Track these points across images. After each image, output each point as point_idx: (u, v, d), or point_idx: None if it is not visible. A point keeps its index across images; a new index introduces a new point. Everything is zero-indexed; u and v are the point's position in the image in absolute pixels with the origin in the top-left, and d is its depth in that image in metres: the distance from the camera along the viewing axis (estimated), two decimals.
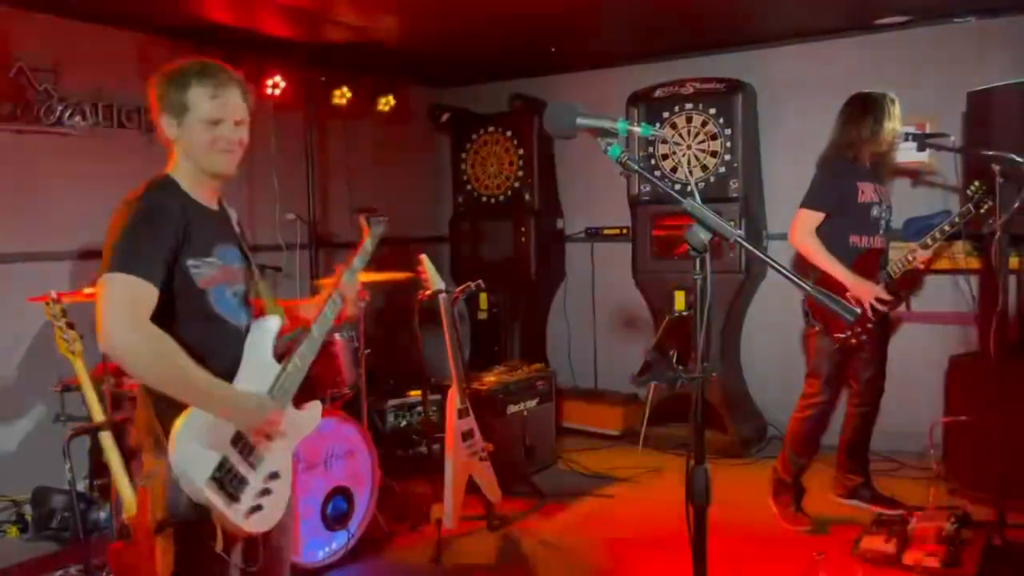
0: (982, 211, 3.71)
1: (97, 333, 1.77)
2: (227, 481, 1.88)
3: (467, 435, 3.92)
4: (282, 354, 2.09)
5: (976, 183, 3.74)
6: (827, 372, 3.84)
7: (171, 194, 1.96)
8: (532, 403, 4.84)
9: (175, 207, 1.91)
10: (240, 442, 1.93)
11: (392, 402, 5.13)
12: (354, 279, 2.26)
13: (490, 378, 4.80)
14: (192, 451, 1.83)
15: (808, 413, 3.90)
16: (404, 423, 5.13)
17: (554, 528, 4.07)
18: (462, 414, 3.91)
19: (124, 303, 1.78)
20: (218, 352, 1.95)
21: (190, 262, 1.91)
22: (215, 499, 1.85)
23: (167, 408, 1.86)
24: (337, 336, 3.93)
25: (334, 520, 3.64)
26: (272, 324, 2.08)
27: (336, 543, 3.64)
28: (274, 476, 2.00)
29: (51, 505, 3.90)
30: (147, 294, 1.81)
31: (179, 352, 1.81)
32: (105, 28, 4.48)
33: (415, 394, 5.16)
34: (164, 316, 1.84)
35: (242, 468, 1.92)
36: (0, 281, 4.15)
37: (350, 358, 3.98)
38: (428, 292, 3.90)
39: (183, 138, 1.98)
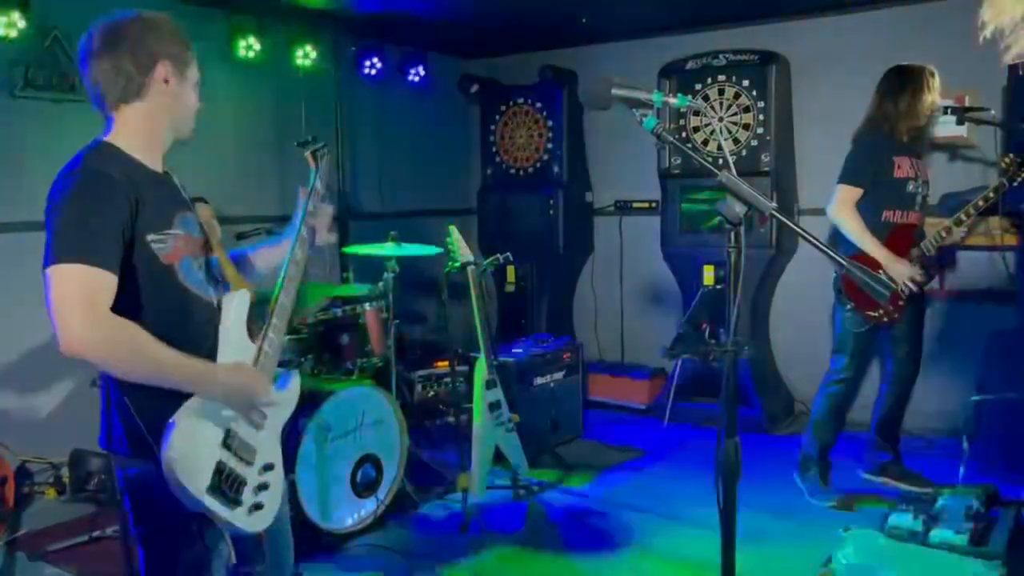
0: (1015, 184, 3.63)
1: (57, 334, 1.59)
2: (226, 486, 1.76)
3: (494, 406, 3.94)
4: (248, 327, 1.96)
5: (1010, 156, 3.64)
6: (854, 349, 3.82)
7: (114, 161, 1.76)
8: (559, 375, 4.86)
9: (120, 175, 1.72)
10: (231, 440, 1.80)
11: (420, 372, 5.18)
12: (322, 211, 2.14)
13: (517, 350, 4.82)
14: (185, 462, 1.69)
15: (834, 389, 3.90)
16: (432, 393, 5.17)
17: (579, 499, 4.11)
18: (489, 385, 3.94)
19: (81, 298, 1.59)
20: (193, 330, 1.82)
21: (151, 236, 1.74)
22: (217, 507, 1.74)
23: (148, 407, 1.72)
24: (367, 306, 3.96)
25: (363, 487, 3.70)
26: (242, 298, 1.93)
27: (364, 510, 3.71)
28: (269, 467, 1.90)
29: (88, 467, 3.99)
30: (105, 284, 1.63)
31: (149, 339, 1.65)
32: None
33: (443, 365, 5.20)
34: (129, 302, 1.69)
35: (238, 468, 1.80)
36: (34, 248, 4.21)
37: (380, 328, 4.01)
38: (456, 264, 3.92)
39: (171, 97, 1.83)
